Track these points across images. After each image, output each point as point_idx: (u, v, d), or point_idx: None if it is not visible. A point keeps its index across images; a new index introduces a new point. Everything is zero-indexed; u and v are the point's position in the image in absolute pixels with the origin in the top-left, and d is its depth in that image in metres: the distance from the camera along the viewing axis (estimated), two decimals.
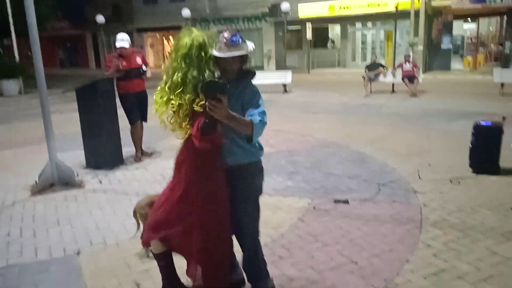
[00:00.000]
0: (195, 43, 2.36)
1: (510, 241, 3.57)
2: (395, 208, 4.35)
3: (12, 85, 14.83)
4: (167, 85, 2.39)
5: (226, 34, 2.41)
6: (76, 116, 6.14)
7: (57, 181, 5.30)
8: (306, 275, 3.16)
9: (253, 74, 2.60)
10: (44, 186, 5.22)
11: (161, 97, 2.43)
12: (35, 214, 4.52)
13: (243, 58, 2.51)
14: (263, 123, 2.36)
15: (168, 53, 2.34)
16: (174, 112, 2.41)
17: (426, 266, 3.22)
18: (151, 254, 3.07)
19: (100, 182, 5.51)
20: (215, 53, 2.40)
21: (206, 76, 2.42)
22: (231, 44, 2.39)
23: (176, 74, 2.34)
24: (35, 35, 4.94)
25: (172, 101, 2.37)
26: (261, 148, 2.62)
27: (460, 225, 3.89)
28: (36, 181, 5.31)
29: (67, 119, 9.34)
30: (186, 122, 2.41)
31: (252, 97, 2.45)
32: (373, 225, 3.96)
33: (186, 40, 2.37)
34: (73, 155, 6.53)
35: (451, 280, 3.03)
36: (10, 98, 14.40)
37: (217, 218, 2.56)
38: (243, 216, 2.64)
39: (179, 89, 2.33)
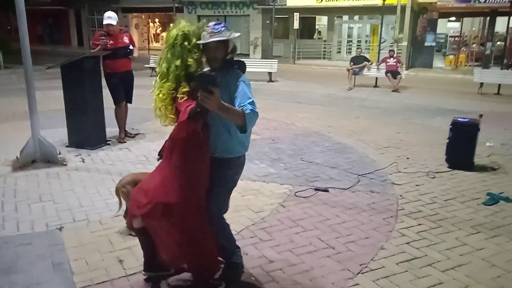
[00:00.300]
0: (180, 33, 2.45)
1: (479, 233, 3.75)
2: (373, 198, 4.50)
3: None
4: (158, 75, 2.51)
5: (210, 23, 2.50)
6: (56, 93, 6.10)
7: (39, 157, 5.28)
8: (285, 257, 3.28)
9: (241, 65, 2.64)
10: (26, 162, 5.19)
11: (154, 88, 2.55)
12: (16, 189, 4.51)
13: (226, 46, 2.55)
14: (254, 112, 2.38)
15: (153, 34, 2.41)
16: (161, 100, 2.49)
17: (399, 253, 3.37)
18: (133, 233, 3.13)
19: (83, 161, 5.50)
20: (198, 41, 2.47)
21: (189, 65, 2.44)
22: (213, 31, 2.46)
23: (162, 64, 2.47)
24: (22, 8, 4.86)
25: (160, 90, 2.48)
26: (247, 145, 2.72)
27: (433, 217, 4.07)
28: (17, 157, 5.27)
29: (48, 96, 9.23)
30: (170, 111, 2.49)
31: (241, 87, 2.48)
32: (351, 213, 4.10)
33: (173, 31, 2.47)
34: (55, 133, 6.49)
35: (422, 267, 3.18)
36: None
37: (198, 205, 2.62)
38: (213, 204, 2.70)
39: (164, 78, 2.45)
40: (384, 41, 21.83)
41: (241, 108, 2.37)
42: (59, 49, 28.32)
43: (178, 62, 2.42)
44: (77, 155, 5.68)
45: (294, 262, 3.23)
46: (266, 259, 3.26)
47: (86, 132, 5.94)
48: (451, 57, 22.13)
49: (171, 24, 2.61)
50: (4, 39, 15.98)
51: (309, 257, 3.29)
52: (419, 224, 3.88)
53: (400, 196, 4.56)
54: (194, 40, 2.46)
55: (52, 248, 3.33)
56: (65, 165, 5.29)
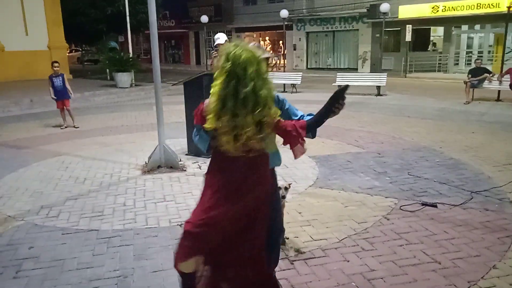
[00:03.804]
0: (259, 58, 2.22)
1: None
2: (487, 216, 4.24)
3: (125, 78, 16.45)
4: (234, 108, 2.18)
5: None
6: (177, 107, 6.82)
7: (163, 163, 5.97)
8: (387, 268, 3.30)
9: None
10: (153, 167, 5.92)
11: (227, 122, 2.20)
12: (145, 190, 5.18)
13: (268, 63, 2.62)
14: None
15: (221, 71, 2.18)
16: (245, 133, 2.20)
17: None
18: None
19: (200, 167, 6.07)
20: (264, 55, 2.41)
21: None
22: (261, 48, 2.50)
23: (254, 92, 2.16)
24: (155, 32, 5.61)
25: (247, 122, 2.17)
26: None
27: None
28: (146, 162, 6.04)
29: (170, 110, 10.26)
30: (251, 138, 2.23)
31: (287, 102, 2.68)
32: (461, 230, 3.93)
33: (248, 54, 2.18)
34: (176, 142, 7.26)
35: None
36: (123, 89, 16.02)
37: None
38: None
39: (259, 107, 2.18)
40: (510, 51, 19.94)
41: (300, 117, 2.58)
42: (179, 68, 31.08)
43: (270, 86, 2.25)
44: (194, 162, 6.29)
45: (397, 273, 3.23)
46: (368, 267, 3.31)
47: None
48: None
49: (227, 43, 2.35)
50: (136, 60, 18.11)
51: (412, 270, 3.27)
52: None
53: None
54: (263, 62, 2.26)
55: (174, 241, 3.76)
56: (185, 170, 5.90)
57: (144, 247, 3.69)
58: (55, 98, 9.11)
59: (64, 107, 9.22)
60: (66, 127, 9.21)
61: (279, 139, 2.40)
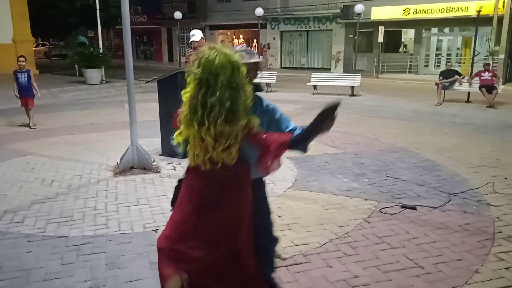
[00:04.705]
0: (235, 64, 2.03)
1: None
2: (466, 218, 4.25)
3: (95, 74, 15.94)
4: (204, 117, 2.01)
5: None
6: (149, 105, 6.59)
7: (136, 164, 5.74)
8: (371, 273, 3.22)
9: (260, 88, 2.50)
10: (125, 168, 5.68)
11: (194, 134, 2.06)
12: (117, 192, 4.95)
13: (257, 69, 2.43)
14: None
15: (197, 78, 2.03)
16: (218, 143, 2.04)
17: (497, 279, 3.15)
18: None
19: (174, 168, 5.87)
20: (252, 60, 2.33)
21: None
22: (250, 52, 2.39)
23: (220, 102, 1.99)
24: (128, 28, 5.37)
25: (210, 134, 2.01)
26: None
27: None
28: (118, 163, 5.79)
29: (142, 108, 9.93)
30: (227, 149, 2.07)
31: (278, 110, 2.43)
32: (441, 233, 3.91)
33: (222, 60, 2.01)
34: (149, 142, 7.02)
35: None
36: (93, 86, 15.52)
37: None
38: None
39: (231, 118, 2.02)
40: (477, 54, 20.54)
41: (299, 129, 2.32)
42: (151, 65, 30.46)
43: (246, 95, 2.07)
44: (169, 163, 6.08)
45: (380, 279, 3.16)
46: (351, 273, 3.23)
47: None
48: None
49: (201, 49, 2.11)
50: (107, 55, 17.58)
51: (396, 275, 3.21)
52: None
53: (497, 218, 4.25)
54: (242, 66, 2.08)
55: (149, 248, 3.60)
56: (159, 172, 5.69)
57: (117, 255, 3.49)
58: (18, 96, 8.60)
59: (27, 105, 8.64)
60: (35, 128, 8.71)
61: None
